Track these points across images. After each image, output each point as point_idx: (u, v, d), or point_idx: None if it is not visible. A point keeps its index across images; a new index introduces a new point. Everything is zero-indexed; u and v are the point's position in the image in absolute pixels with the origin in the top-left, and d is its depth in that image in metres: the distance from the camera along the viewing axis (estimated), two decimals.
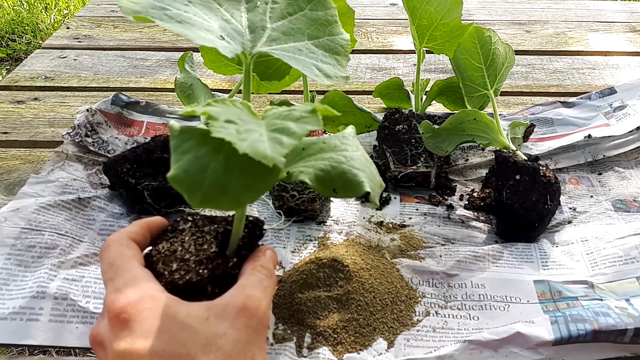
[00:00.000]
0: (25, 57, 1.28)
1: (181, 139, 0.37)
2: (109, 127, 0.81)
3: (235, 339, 0.40)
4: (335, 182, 0.40)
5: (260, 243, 0.49)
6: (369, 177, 0.41)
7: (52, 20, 2.37)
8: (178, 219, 0.49)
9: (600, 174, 0.76)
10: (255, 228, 0.48)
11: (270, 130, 0.36)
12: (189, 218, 0.49)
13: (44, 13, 2.43)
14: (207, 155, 0.36)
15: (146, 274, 0.43)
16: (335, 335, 0.53)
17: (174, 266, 0.44)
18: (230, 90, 0.76)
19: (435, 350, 0.51)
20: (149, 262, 0.45)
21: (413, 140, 0.73)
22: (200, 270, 0.44)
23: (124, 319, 0.39)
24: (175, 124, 0.38)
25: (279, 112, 0.39)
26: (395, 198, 0.72)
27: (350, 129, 0.46)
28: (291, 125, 0.37)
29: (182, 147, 0.36)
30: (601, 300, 0.56)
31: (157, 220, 0.50)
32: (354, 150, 0.43)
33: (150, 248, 0.47)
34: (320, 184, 0.39)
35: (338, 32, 0.49)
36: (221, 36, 0.43)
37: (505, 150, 0.69)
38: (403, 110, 0.77)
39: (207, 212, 0.69)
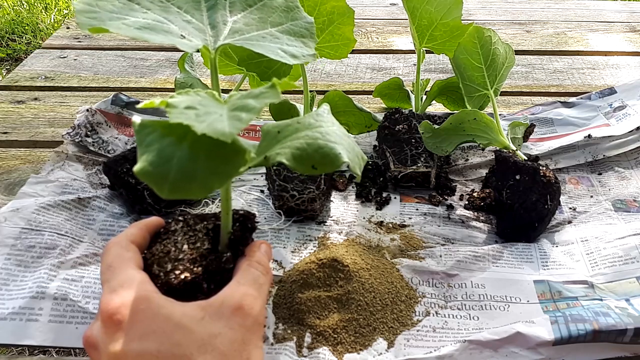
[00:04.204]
0: (25, 57, 1.28)
1: (145, 133, 0.37)
2: (109, 127, 0.81)
3: (231, 338, 0.40)
4: (313, 158, 0.39)
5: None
6: (347, 149, 0.41)
7: (52, 20, 2.37)
8: (170, 220, 0.49)
9: (600, 174, 0.76)
10: (246, 221, 0.48)
11: (231, 110, 0.37)
12: (180, 218, 0.49)
13: (44, 13, 2.43)
14: (172, 145, 0.36)
15: (142, 275, 0.43)
16: (335, 335, 0.53)
17: (169, 267, 0.44)
18: (230, 90, 0.76)
19: (435, 350, 0.51)
20: (145, 265, 0.45)
21: (413, 140, 0.73)
22: (195, 268, 0.44)
23: (117, 320, 0.39)
24: (137, 118, 0.38)
25: (241, 93, 0.40)
26: (395, 198, 0.72)
27: (325, 107, 0.46)
28: (250, 101, 0.37)
29: (146, 140, 0.36)
30: (601, 300, 0.56)
31: (155, 220, 0.50)
32: (329, 126, 0.42)
33: (145, 252, 0.47)
34: (298, 163, 0.39)
35: (301, 17, 0.50)
36: (182, 35, 0.43)
37: (505, 150, 0.69)
38: (403, 110, 0.77)
39: (209, 210, 0.69)
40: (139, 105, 0.37)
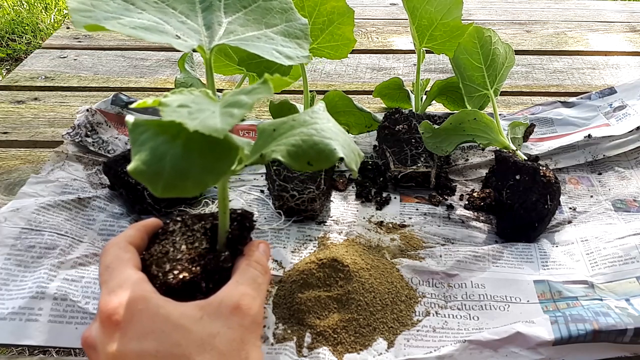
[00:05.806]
0: (25, 57, 1.28)
1: (138, 132, 0.37)
2: (109, 127, 0.81)
3: (230, 337, 0.40)
4: (308, 155, 0.40)
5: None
6: (342, 145, 0.41)
7: (52, 20, 2.37)
8: (168, 221, 0.49)
9: (600, 174, 0.76)
10: (244, 220, 0.48)
11: (223, 107, 0.37)
12: (178, 219, 0.49)
13: (44, 13, 2.43)
14: (165, 143, 0.36)
15: (140, 276, 0.43)
16: (336, 335, 0.53)
17: (167, 267, 0.44)
18: (230, 90, 0.76)
19: (435, 350, 0.51)
20: (143, 266, 0.45)
21: (413, 140, 0.73)
22: (193, 268, 0.44)
23: (115, 321, 0.39)
24: (130, 117, 0.38)
25: (235, 90, 0.40)
26: (395, 198, 0.72)
27: (321, 104, 0.46)
28: (243, 97, 0.37)
29: (139, 139, 0.36)
30: (601, 300, 0.56)
31: (153, 222, 0.50)
32: (324, 122, 0.43)
33: (144, 253, 0.47)
34: (294, 159, 0.39)
35: (295, 18, 0.51)
36: (177, 35, 0.44)
37: (505, 150, 0.69)
38: (403, 110, 0.77)
39: (209, 211, 0.69)
40: (133, 105, 0.37)
